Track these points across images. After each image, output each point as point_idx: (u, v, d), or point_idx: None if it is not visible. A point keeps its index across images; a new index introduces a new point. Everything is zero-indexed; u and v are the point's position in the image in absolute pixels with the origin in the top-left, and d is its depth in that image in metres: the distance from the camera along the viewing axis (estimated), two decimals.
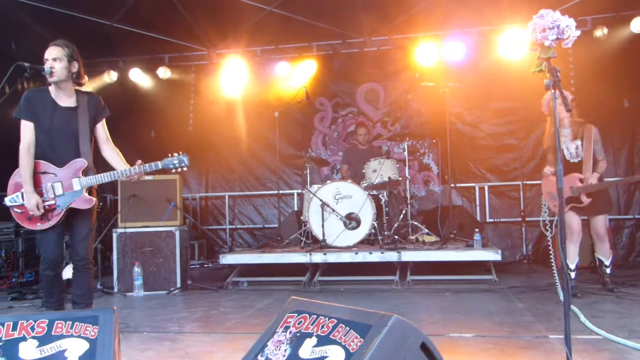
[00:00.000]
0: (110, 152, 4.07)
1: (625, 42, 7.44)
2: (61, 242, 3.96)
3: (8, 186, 3.83)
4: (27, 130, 3.81)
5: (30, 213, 3.73)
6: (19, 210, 3.77)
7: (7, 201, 3.81)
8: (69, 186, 3.81)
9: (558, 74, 2.62)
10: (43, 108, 3.84)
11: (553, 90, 2.60)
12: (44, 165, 3.82)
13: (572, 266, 5.10)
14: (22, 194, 3.75)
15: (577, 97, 7.55)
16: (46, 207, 3.76)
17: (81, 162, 3.85)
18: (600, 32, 7.43)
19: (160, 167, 3.97)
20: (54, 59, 3.78)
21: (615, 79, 7.19)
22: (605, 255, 5.20)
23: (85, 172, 3.87)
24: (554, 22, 2.56)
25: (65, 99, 3.91)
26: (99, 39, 8.01)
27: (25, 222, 3.78)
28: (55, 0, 7.27)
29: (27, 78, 3.78)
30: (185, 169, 4.05)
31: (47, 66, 3.76)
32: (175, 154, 4.02)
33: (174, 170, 4.03)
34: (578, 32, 2.63)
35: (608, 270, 5.20)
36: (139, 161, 3.95)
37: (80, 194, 3.83)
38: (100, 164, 4.05)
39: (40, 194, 3.77)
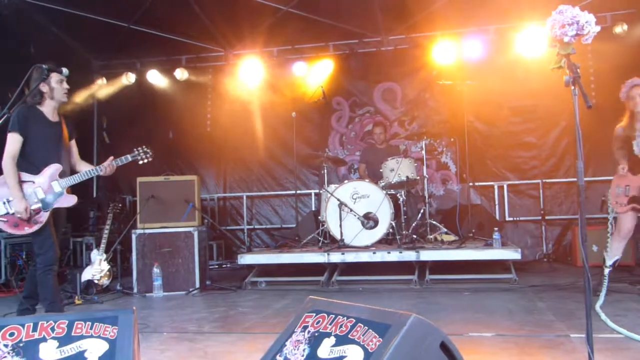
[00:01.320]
0: (83, 163, 4.52)
1: None
2: (56, 239, 4.19)
3: None
4: (15, 143, 4.06)
5: (18, 217, 3.96)
6: (4, 219, 3.99)
7: None
8: (49, 189, 4.10)
9: (578, 70, 2.58)
10: (36, 123, 4.15)
11: (573, 87, 2.57)
12: (22, 175, 4.07)
13: (609, 262, 5.00)
14: (4, 202, 3.98)
15: (597, 93, 7.49)
16: (32, 211, 4.01)
17: (55, 167, 4.17)
18: (620, 28, 7.34)
19: (130, 159, 4.41)
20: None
21: (636, 75, 7.07)
22: None
23: (61, 175, 4.18)
24: (574, 18, 2.53)
25: (55, 116, 4.27)
26: (116, 41, 8.10)
27: (11, 229, 4.02)
28: (72, 3, 7.37)
29: (44, 79, 3.91)
30: (150, 159, 4.54)
31: (65, 86, 4.23)
32: (140, 148, 4.50)
33: (141, 162, 4.49)
34: (598, 28, 2.59)
35: None
36: (111, 157, 4.34)
37: (62, 194, 4.15)
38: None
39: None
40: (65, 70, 4.07)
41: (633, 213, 4.92)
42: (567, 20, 2.55)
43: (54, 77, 4.10)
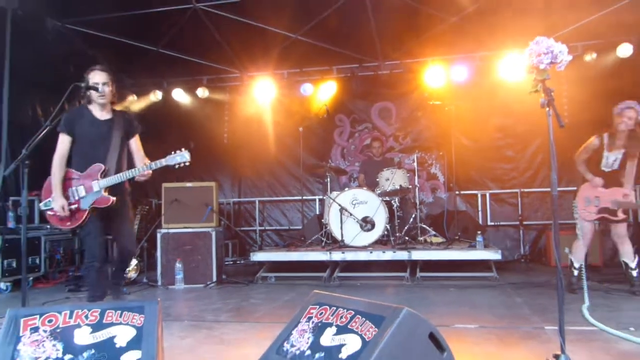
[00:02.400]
0: (139, 161, 4.13)
1: (612, 65, 7.34)
2: (100, 237, 3.98)
3: (42, 192, 3.96)
4: (61, 143, 3.93)
5: (58, 214, 3.84)
6: (51, 213, 3.89)
7: (42, 206, 3.94)
8: (90, 188, 3.87)
9: (552, 94, 2.58)
10: (82, 123, 3.95)
11: (547, 108, 2.57)
12: (71, 172, 3.92)
13: (577, 265, 5.01)
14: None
15: (569, 114, 7.49)
16: (72, 208, 3.86)
17: (98, 167, 3.89)
18: (589, 57, 7.34)
19: (164, 163, 3.94)
20: (104, 84, 3.93)
21: (604, 98, 7.02)
22: (629, 257, 4.88)
23: (104, 175, 3.89)
24: (549, 47, 2.53)
25: (105, 114, 4.03)
26: (146, 63, 8.14)
27: (57, 222, 3.91)
28: (108, 29, 7.42)
29: (82, 96, 3.89)
30: (187, 164, 3.96)
31: (100, 89, 3.89)
32: (178, 151, 3.97)
33: (177, 167, 3.96)
34: (570, 57, 2.59)
35: (635, 273, 4.84)
36: (147, 160, 4.04)
37: (99, 194, 3.87)
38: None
39: (67, 197, 3.86)
40: (100, 88, 3.89)
41: (592, 224, 4.96)
42: (542, 49, 2.55)
43: (93, 94, 3.93)
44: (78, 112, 3.99)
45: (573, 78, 7.28)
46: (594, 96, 6.94)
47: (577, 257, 5.04)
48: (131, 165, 4.09)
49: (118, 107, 4.18)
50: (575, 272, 5.01)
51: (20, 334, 2.19)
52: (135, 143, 4.16)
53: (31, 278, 6.38)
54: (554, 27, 6.42)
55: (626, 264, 4.91)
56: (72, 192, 3.88)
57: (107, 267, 4.27)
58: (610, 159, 4.90)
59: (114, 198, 3.90)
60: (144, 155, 4.15)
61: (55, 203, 3.83)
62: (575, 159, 5.07)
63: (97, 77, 3.91)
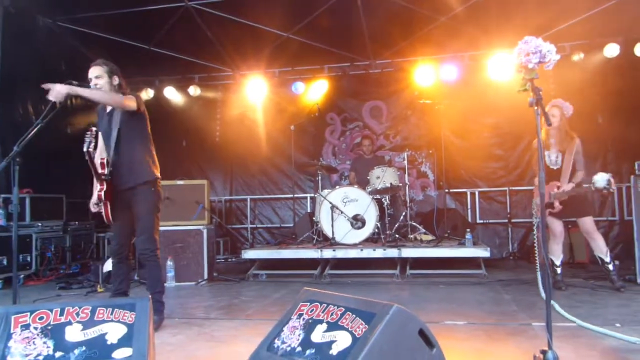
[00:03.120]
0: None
1: (599, 65, 7.42)
2: (121, 232, 3.91)
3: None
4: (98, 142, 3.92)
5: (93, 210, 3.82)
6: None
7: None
8: (102, 182, 3.77)
9: (540, 92, 2.60)
10: (99, 119, 3.98)
11: (536, 107, 2.59)
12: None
13: (558, 262, 5.04)
14: None
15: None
16: (95, 203, 3.80)
17: (99, 160, 3.78)
18: (577, 56, 7.41)
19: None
20: (97, 77, 3.83)
21: (591, 98, 7.13)
22: (602, 252, 4.92)
23: (107, 166, 3.77)
24: (537, 47, 2.55)
25: (109, 107, 3.93)
26: (138, 61, 8.08)
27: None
28: (99, 27, 7.37)
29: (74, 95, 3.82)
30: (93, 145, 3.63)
31: (92, 84, 3.79)
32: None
33: (90, 149, 3.60)
34: (558, 56, 2.61)
35: (611, 267, 4.91)
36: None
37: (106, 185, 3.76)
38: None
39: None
40: (91, 83, 3.79)
41: (554, 218, 4.96)
42: (531, 49, 2.57)
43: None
44: (100, 108, 3.99)
45: (561, 78, 7.33)
46: (581, 95, 6.99)
47: (555, 254, 5.06)
48: (145, 153, 3.91)
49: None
50: (559, 270, 5.04)
51: (11, 331, 2.18)
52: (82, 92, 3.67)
53: (22, 276, 6.32)
54: (542, 27, 6.45)
55: (601, 260, 4.96)
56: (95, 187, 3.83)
57: (125, 260, 4.04)
58: (552, 156, 4.99)
59: (99, 193, 3.72)
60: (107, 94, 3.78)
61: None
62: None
63: (90, 72, 3.85)
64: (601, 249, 4.92)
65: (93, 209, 3.82)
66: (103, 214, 3.77)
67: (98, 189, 3.74)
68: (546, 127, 4.86)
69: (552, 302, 4.13)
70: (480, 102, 7.97)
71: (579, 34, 7.19)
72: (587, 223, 4.92)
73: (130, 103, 3.76)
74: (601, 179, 4.39)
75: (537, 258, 4.93)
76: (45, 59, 7.25)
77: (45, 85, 3.48)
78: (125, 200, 3.84)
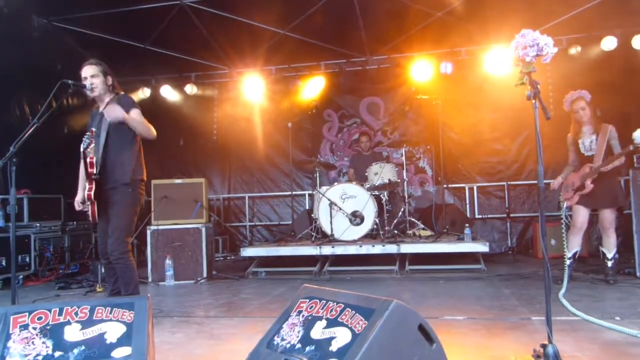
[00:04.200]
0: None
1: (596, 58, 7.39)
2: (105, 232, 3.88)
3: None
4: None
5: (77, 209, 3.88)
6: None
7: None
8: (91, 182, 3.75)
9: (538, 86, 2.59)
10: (92, 118, 3.96)
11: (534, 101, 2.58)
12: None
13: (569, 254, 5.01)
14: None
15: (554, 107, 7.53)
16: (80, 203, 3.86)
17: (89, 159, 3.74)
18: (574, 50, 7.39)
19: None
20: (92, 76, 3.83)
21: (588, 91, 7.13)
22: (608, 248, 4.92)
23: (95, 165, 3.73)
24: (534, 40, 2.54)
25: (102, 106, 3.92)
26: (134, 60, 8.06)
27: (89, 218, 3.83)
28: (95, 27, 7.34)
29: (70, 94, 3.81)
30: (91, 145, 3.65)
31: (87, 83, 3.80)
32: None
33: (88, 150, 3.64)
34: (555, 49, 2.60)
35: (609, 264, 4.92)
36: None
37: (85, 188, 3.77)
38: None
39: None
40: (87, 83, 3.80)
41: (582, 207, 4.95)
42: (528, 42, 2.56)
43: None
44: (95, 109, 3.99)
45: (558, 71, 7.34)
46: (579, 89, 6.99)
47: (569, 246, 5.05)
48: (130, 155, 3.89)
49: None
50: (568, 262, 5.00)
51: (10, 332, 2.17)
52: (132, 121, 3.78)
53: (21, 276, 6.32)
54: (539, 21, 6.44)
55: (604, 254, 4.98)
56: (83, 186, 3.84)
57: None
58: (586, 142, 4.98)
59: (88, 193, 3.70)
60: (146, 126, 3.85)
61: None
62: None
63: (83, 70, 3.85)
64: (609, 247, 4.92)
65: (78, 207, 3.88)
66: (89, 212, 3.76)
67: (87, 189, 3.71)
68: (576, 118, 4.99)
69: (561, 297, 4.14)
70: (478, 97, 7.97)
71: (576, 27, 7.17)
72: (607, 216, 4.87)
73: (154, 132, 3.90)
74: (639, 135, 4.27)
75: (566, 251, 4.94)
76: (41, 59, 7.22)
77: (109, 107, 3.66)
78: (105, 200, 3.83)
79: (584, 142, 4.99)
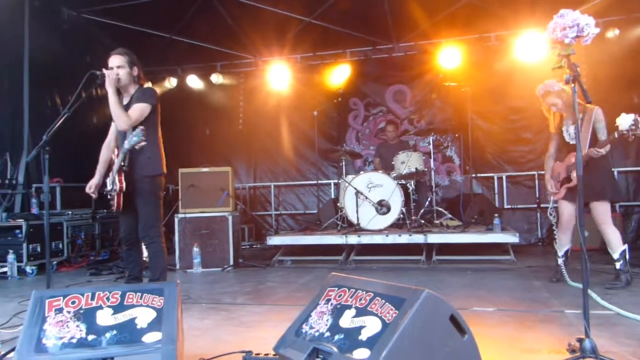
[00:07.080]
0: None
1: (635, 42, 7.11)
2: (127, 220, 3.95)
3: None
4: (110, 130, 4.05)
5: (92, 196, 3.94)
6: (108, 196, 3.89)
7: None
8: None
9: (577, 69, 2.49)
10: None
11: (573, 84, 2.48)
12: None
13: (560, 253, 4.69)
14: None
15: (590, 94, 7.29)
16: (108, 194, 3.86)
17: (114, 152, 3.86)
18: (612, 33, 7.10)
19: (127, 147, 3.67)
20: (118, 67, 3.85)
21: (625, 77, 6.89)
22: (612, 248, 4.34)
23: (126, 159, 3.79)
24: (574, 20, 2.44)
25: (126, 99, 3.95)
26: (160, 50, 8.15)
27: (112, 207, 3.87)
28: (122, 18, 7.42)
29: (99, 85, 3.85)
30: (143, 142, 3.61)
31: (112, 73, 3.80)
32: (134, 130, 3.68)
33: (137, 148, 3.63)
34: (597, 30, 2.49)
35: (618, 265, 4.32)
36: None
37: (112, 180, 3.81)
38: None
39: (104, 184, 3.92)
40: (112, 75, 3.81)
41: (566, 202, 4.54)
42: (568, 23, 2.46)
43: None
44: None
45: (593, 56, 7.06)
46: (615, 74, 6.77)
47: (559, 244, 4.70)
48: (150, 146, 3.87)
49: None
50: (559, 261, 4.68)
51: (46, 315, 2.22)
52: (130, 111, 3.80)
53: (55, 262, 6.48)
54: (573, 2, 6.23)
55: (612, 256, 4.40)
56: (109, 178, 3.90)
57: (134, 247, 4.08)
58: (571, 130, 4.52)
59: (120, 185, 3.78)
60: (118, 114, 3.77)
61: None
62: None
63: (110, 60, 3.87)
64: (612, 247, 4.32)
65: (88, 190, 3.91)
66: (114, 202, 3.81)
67: (117, 180, 3.76)
68: (554, 111, 4.59)
69: (589, 291, 3.98)
70: (507, 84, 7.76)
71: (613, 10, 6.90)
72: (599, 210, 4.31)
73: (128, 121, 3.76)
74: (626, 120, 3.81)
75: (558, 253, 4.72)
76: (71, 50, 7.35)
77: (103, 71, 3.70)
78: (129, 191, 3.85)
79: (568, 129, 4.54)
